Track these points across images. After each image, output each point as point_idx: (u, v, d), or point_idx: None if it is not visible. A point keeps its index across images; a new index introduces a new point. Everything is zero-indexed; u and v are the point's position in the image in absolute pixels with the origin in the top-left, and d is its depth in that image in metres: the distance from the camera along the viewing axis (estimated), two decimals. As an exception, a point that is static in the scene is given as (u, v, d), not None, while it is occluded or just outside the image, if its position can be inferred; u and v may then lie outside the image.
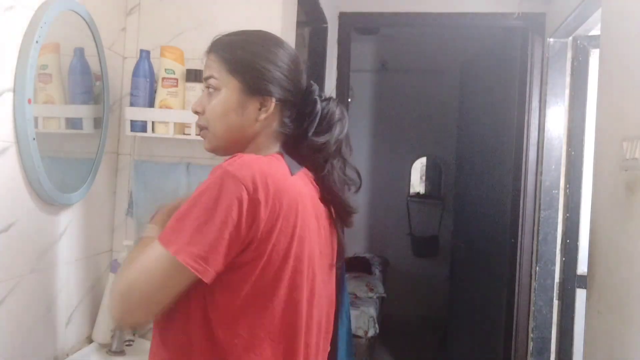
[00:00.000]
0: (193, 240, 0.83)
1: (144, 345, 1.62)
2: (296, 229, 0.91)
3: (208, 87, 1.01)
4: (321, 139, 1.00)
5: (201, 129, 1.04)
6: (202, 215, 0.83)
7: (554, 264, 2.38)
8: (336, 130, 1.02)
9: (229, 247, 0.84)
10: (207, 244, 0.83)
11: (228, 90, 0.98)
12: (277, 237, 0.88)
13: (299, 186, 0.96)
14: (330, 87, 2.73)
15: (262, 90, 0.98)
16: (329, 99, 1.05)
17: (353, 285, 3.99)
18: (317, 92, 1.04)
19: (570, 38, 2.36)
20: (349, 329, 3.24)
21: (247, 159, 0.89)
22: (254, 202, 0.85)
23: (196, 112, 1.03)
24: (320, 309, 1.02)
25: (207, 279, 0.84)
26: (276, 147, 1.03)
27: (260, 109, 0.99)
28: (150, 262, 0.85)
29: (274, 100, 0.98)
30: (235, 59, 0.98)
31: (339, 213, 1.06)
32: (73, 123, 1.48)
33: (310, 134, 1.00)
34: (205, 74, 1.01)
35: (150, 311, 0.87)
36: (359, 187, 1.08)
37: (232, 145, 1.01)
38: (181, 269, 0.83)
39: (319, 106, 1.01)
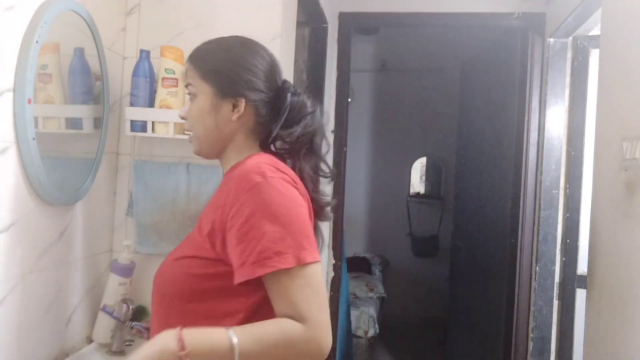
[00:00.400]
0: (306, 241, 0.90)
1: (144, 345, 1.62)
2: (311, 215, 1.00)
3: (189, 94, 1.08)
4: (286, 132, 1.04)
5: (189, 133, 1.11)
6: (290, 221, 0.90)
7: (554, 264, 2.38)
8: (304, 122, 1.05)
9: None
10: (312, 240, 0.92)
11: (202, 95, 1.05)
12: None
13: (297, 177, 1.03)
14: (330, 87, 2.73)
15: (233, 92, 1.03)
16: (299, 93, 1.08)
17: (353, 285, 3.99)
18: (290, 89, 1.07)
19: (570, 38, 2.36)
20: (349, 328, 3.25)
21: (259, 161, 0.96)
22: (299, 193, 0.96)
23: (182, 118, 1.10)
24: None
25: None
26: (256, 146, 1.08)
27: (232, 110, 1.04)
28: (298, 287, 0.87)
29: (244, 101, 1.03)
30: (206, 65, 1.05)
31: (312, 207, 1.10)
32: (73, 123, 1.48)
33: (277, 127, 1.04)
34: (185, 82, 1.08)
35: None
36: (331, 179, 1.13)
37: (213, 145, 1.07)
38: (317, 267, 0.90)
39: (288, 100, 1.05)
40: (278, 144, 1.08)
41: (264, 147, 1.09)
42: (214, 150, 1.08)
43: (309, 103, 1.08)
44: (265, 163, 0.95)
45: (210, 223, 0.94)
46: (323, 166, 1.10)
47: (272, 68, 1.08)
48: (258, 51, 1.08)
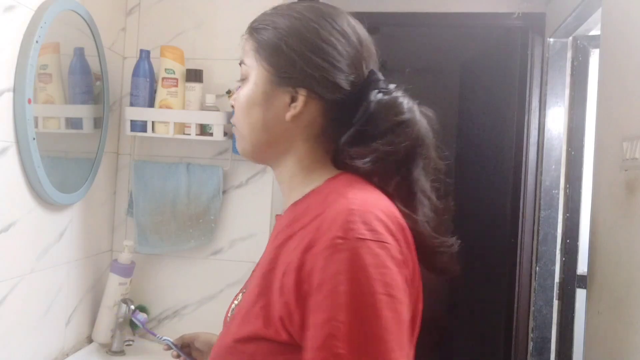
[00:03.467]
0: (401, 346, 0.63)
1: (144, 345, 1.62)
2: (415, 283, 0.72)
3: (241, 79, 0.80)
4: (357, 150, 0.72)
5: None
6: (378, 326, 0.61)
7: (554, 264, 2.37)
8: (390, 137, 0.72)
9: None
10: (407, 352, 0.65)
11: (254, 78, 0.76)
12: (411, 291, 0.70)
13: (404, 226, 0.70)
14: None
15: (293, 80, 0.74)
16: (390, 90, 0.76)
17: (353, 285, 3.98)
18: (377, 82, 0.76)
19: (570, 38, 2.36)
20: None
21: (360, 205, 0.65)
22: (405, 264, 0.67)
23: (232, 107, 0.82)
24: None
25: None
26: (330, 165, 0.77)
27: (289, 105, 0.75)
28: None
29: (305, 93, 0.74)
30: (265, 38, 0.76)
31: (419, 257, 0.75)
32: (73, 123, 1.48)
33: (344, 139, 0.73)
34: (240, 59, 0.81)
35: None
36: (444, 217, 0.81)
37: (259, 149, 0.79)
38: None
39: (370, 100, 0.74)
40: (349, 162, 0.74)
41: (340, 163, 0.76)
42: (262, 156, 0.80)
43: (404, 104, 0.74)
44: (368, 209, 0.65)
45: (280, 289, 0.65)
46: (422, 196, 0.75)
47: (359, 51, 0.77)
48: (342, 24, 0.77)
